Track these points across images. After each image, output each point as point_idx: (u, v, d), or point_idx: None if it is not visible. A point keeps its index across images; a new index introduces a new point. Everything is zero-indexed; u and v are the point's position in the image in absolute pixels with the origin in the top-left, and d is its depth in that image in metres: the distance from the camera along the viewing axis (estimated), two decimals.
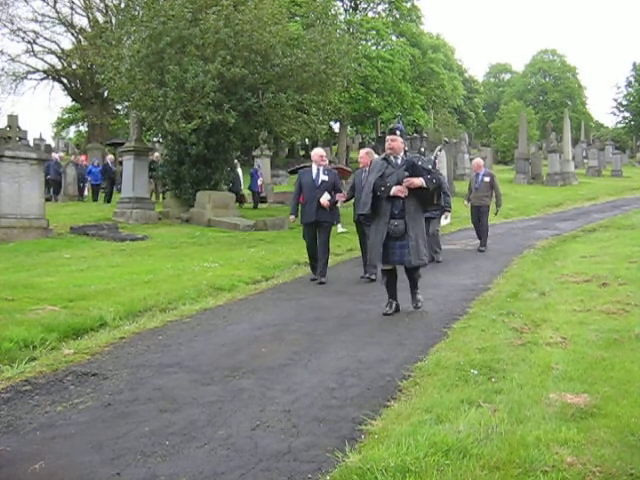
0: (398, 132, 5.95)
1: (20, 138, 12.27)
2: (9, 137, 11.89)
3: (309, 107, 16.29)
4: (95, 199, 20.83)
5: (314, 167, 8.22)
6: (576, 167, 31.16)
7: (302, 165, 11.70)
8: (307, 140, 39.52)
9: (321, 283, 7.89)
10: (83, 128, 42.28)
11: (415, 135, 35.93)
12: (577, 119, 51.49)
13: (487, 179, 11.17)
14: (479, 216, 11.14)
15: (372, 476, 2.57)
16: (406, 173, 5.76)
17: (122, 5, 21.49)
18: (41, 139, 33.32)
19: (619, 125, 58.81)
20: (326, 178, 8.10)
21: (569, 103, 59.29)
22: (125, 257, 9.97)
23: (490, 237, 11.77)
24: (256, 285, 7.87)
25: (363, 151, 8.67)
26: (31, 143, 25.05)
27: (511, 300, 6.41)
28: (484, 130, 57.01)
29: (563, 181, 27.44)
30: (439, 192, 5.96)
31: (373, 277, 8.05)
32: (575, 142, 38.10)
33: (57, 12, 31.53)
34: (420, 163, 5.85)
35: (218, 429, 3.25)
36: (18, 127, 12.17)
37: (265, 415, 3.43)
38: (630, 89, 57.44)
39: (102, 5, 31.32)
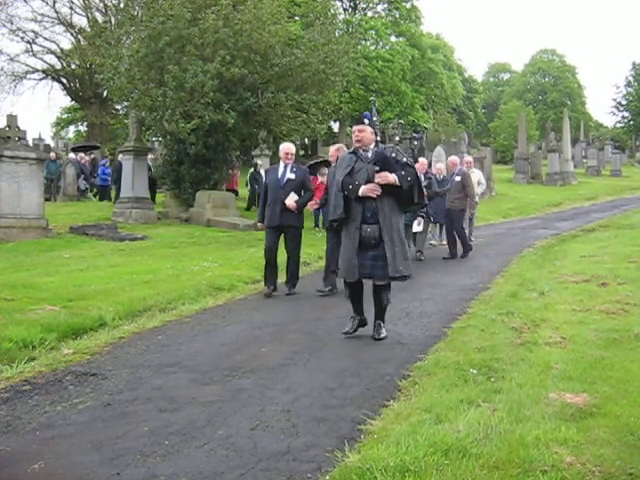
0: (367, 121, 5.07)
1: (19, 138, 12.26)
2: (8, 137, 11.88)
3: (308, 107, 16.28)
4: (102, 199, 20.74)
5: (280, 164, 7.42)
6: (575, 167, 31.15)
7: (318, 160, 11.18)
8: (307, 140, 39.51)
9: (289, 294, 7.19)
10: (82, 128, 42.24)
11: (414, 135, 36.05)
12: (576, 119, 51.44)
13: (458, 178, 10.23)
14: (452, 220, 10.17)
15: (371, 476, 2.57)
16: (376, 168, 4.87)
17: (121, 5, 21.46)
18: (40, 139, 33.22)
19: (618, 125, 58.79)
20: (293, 176, 7.25)
21: (568, 103, 59.25)
22: (124, 257, 9.97)
23: (489, 237, 11.80)
24: (255, 285, 7.87)
25: (333, 147, 7.73)
26: (30, 143, 24.99)
27: (510, 300, 6.42)
28: (483, 130, 56.96)
29: (562, 181, 27.44)
30: (419, 188, 5.03)
31: (328, 290, 7.23)
32: (574, 142, 38.09)
33: (56, 12, 31.52)
34: (394, 155, 4.98)
35: (217, 429, 3.25)
36: (17, 127, 12.16)
37: (264, 415, 3.42)
38: (629, 89, 57.42)
39: (101, 5, 31.28)
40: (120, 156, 20.78)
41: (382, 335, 5.10)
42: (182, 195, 16.12)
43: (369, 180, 4.87)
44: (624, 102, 57.48)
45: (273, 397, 3.72)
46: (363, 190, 4.85)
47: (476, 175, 11.89)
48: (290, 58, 15.09)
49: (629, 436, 2.87)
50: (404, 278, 5.00)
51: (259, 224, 7.64)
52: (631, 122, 56.55)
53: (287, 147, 7.48)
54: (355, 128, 5.12)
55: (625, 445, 2.78)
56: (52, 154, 21.90)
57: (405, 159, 5.01)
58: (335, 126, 39.15)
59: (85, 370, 4.33)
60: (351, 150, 5.26)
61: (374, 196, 4.84)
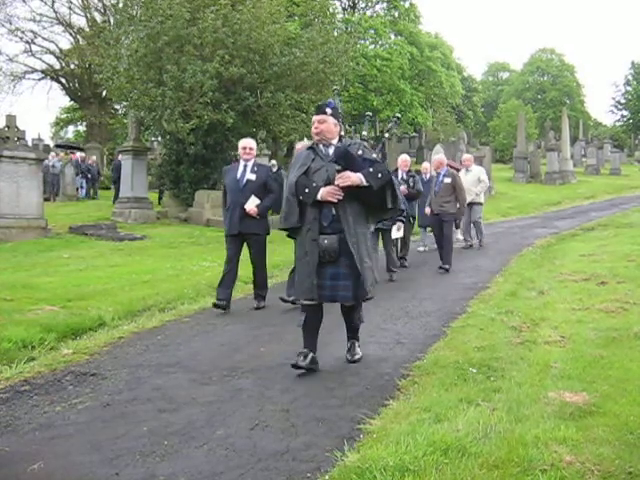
0: (329, 110, 4.18)
1: (18, 138, 12.25)
2: (7, 137, 11.87)
3: (307, 106, 16.28)
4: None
5: (240, 163, 6.43)
6: (575, 166, 31.14)
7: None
8: (305, 139, 39.54)
9: (258, 308, 6.38)
10: (81, 128, 42.25)
11: (414, 134, 36.04)
12: (575, 118, 51.46)
13: (448, 180, 8.93)
14: (440, 226, 8.91)
15: (371, 475, 2.56)
16: (338, 167, 4.03)
17: (120, 5, 21.44)
18: (39, 139, 33.26)
19: (617, 123, 58.84)
20: (253, 177, 6.27)
21: (567, 102, 59.27)
22: (124, 257, 9.97)
23: (489, 236, 11.78)
24: None
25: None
26: (29, 143, 25.00)
27: (510, 299, 6.41)
28: (483, 129, 56.94)
29: (562, 180, 27.43)
30: (393, 190, 4.17)
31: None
32: (574, 141, 38.08)
33: (55, 12, 31.53)
34: (361, 152, 4.13)
35: (217, 429, 3.25)
36: (16, 127, 12.16)
37: (264, 415, 3.42)
38: (628, 87, 57.48)
39: (100, 5, 31.27)
40: (119, 156, 20.81)
41: (357, 357, 4.38)
42: (181, 195, 16.13)
43: (330, 182, 4.04)
44: (623, 101, 57.57)
45: (272, 397, 3.72)
46: (322, 194, 4.01)
47: (475, 173, 11.42)
48: (289, 57, 15.10)
49: (628, 435, 2.87)
50: (370, 298, 4.23)
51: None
52: (630, 121, 56.62)
53: (245, 141, 6.50)
54: (315, 118, 4.22)
55: (624, 444, 2.78)
56: (55, 155, 22.01)
57: (375, 156, 4.23)
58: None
59: (84, 370, 4.33)
60: (309, 145, 4.40)
61: (335, 201, 4.01)
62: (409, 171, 9.24)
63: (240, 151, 6.44)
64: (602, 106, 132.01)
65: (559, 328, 5.02)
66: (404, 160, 9.33)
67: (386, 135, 4.78)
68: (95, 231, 12.63)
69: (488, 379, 3.82)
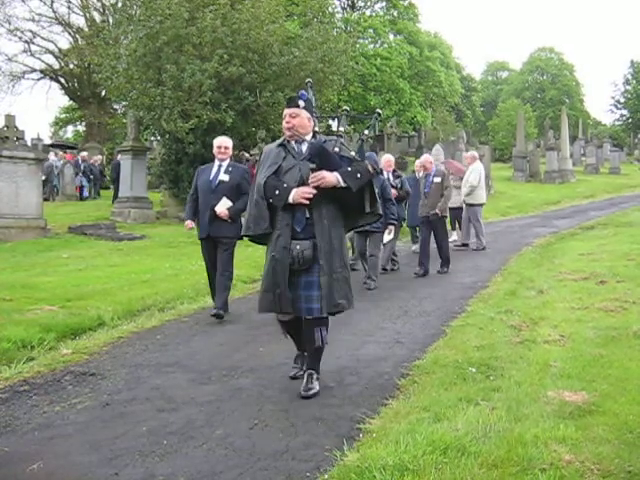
0: (302, 102, 3.79)
1: (18, 138, 12.23)
2: (7, 137, 11.86)
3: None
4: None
5: (214, 163, 6.09)
6: (574, 165, 31.11)
7: None
8: None
9: (217, 316, 5.80)
10: (81, 128, 42.20)
11: (413, 133, 36.03)
12: (575, 117, 51.48)
13: (438, 179, 8.61)
14: (432, 229, 8.56)
15: (370, 475, 2.56)
16: (312, 166, 3.64)
17: (119, 4, 21.47)
18: (39, 139, 33.19)
19: (617, 123, 58.86)
20: (226, 178, 5.92)
21: (567, 101, 59.25)
22: (123, 257, 9.97)
23: (488, 235, 11.76)
24: (254, 284, 7.85)
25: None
26: (29, 143, 25.02)
27: (509, 298, 6.42)
28: (482, 128, 56.89)
29: (561, 179, 27.41)
30: (372, 193, 3.79)
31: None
32: (573, 140, 38.09)
33: (54, 12, 31.50)
34: (337, 150, 3.73)
35: (216, 428, 3.25)
36: (15, 127, 12.14)
37: (263, 414, 3.42)
38: (628, 87, 57.47)
39: (99, 4, 31.27)
40: (118, 156, 20.81)
41: (312, 391, 3.71)
42: (181, 194, 16.09)
43: (303, 182, 3.65)
44: (622, 100, 57.56)
45: (271, 396, 3.72)
46: (293, 196, 3.61)
47: (468, 172, 11.13)
48: (288, 57, 15.10)
49: (628, 434, 2.87)
50: (343, 310, 3.76)
51: (187, 223, 6.21)
52: (629, 120, 56.64)
53: (221, 140, 6.11)
54: (286, 112, 3.82)
55: (624, 443, 2.78)
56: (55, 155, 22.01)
57: (353, 154, 3.80)
58: (334, 125, 39.17)
59: (84, 370, 4.33)
60: (279, 142, 3.93)
61: (307, 203, 3.61)
62: (394, 171, 8.97)
63: (215, 150, 6.07)
64: (601, 105, 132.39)
65: (558, 327, 5.02)
66: (388, 160, 8.97)
67: (366, 132, 4.14)
68: (94, 231, 12.62)
69: (487, 378, 3.82)
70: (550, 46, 66.36)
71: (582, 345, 4.43)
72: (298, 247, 3.62)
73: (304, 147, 3.78)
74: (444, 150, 20.60)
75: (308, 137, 3.82)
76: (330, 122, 19.86)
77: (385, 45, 36.14)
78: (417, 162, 11.55)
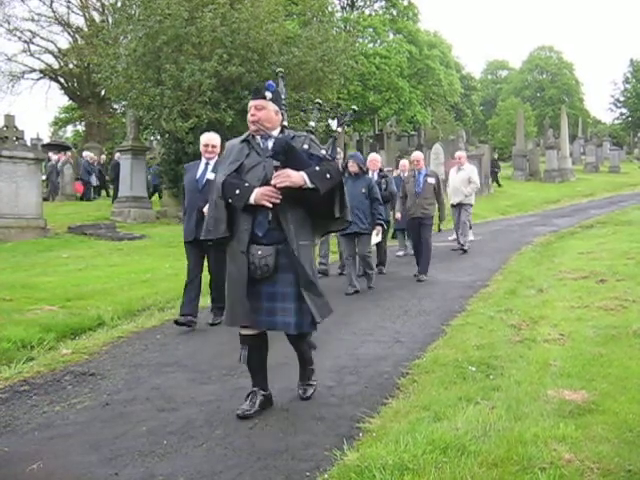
0: (269, 94, 3.42)
1: (17, 138, 12.23)
2: (6, 137, 11.87)
3: (306, 105, 16.26)
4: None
5: (201, 161, 5.74)
6: (574, 163, 31.13)
7: None
8: None
9: (213, 324, 5.71)
10: (80, 127, 42.17)
11: (413, 132, 36.01)
12: (574, 115, 51.46)
13: (432, 180, 8.24)
14: (420, 231, 8.20)
15: (370, 474, 2.56)
16: (276, 163, 3.27)
17: (119, 4, 21.44)
18: (38, 139, 33.17)
19: (616, 121, 58.89)
20: (214, 177, 5.13)
21: (566, 99, 59.25)
22: (123, 256, 9.97)
23: (488, 234, 11.77)
24: None
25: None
26: (28, 143, 25.01)
27: (509, 297, 6.42)
28: (481, 127, 56.92)
29: (561, 177, 27.42)
30: (342, 196, 3.42)
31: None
32: (573, 138, 38.10)
33: (53, 11, 31.45)
34: (306, 147, 3.38)
35: (216, 428, 3.25)
36: (15, 127, 12.14)
37: (263, 414, 3.42)
38: (627, 85, 57.49)
39: (98, 4, 31.23)
40: (118, 155, 20.79)
41: (310, 389, 3.71)
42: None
43: (267, 181, 3.28)
44: (622, 99, 57.59)
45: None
46: (255, 196, 3.25)
47: (467, 172, 10.61)
48: (288, 56, 15.09)
49: (627, 433, 2.87)
50: (316, 323, 3.44)
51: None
52: (629, 118, 56.67)
53: (208, 137, 5.75)
54: (251, 104, 3.44)
55: (623, 442, 2.78)
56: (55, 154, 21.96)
57: (324, 152, 3.44)
58: (333, 124, 39.16)
59: (83, 370, 4.33)
60: (244, 137, 3.54)
61: (269, 205, 3.25)
62: (380, 170, 8.72)
63: (202, 148, 5.69)
64: (601, 104, 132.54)
65: (558, 326, 5.02)
66: (373, 159, 8.59)
67: (339, 130, 3.84)
68: (94, 231, 12.63)
69: (487, 377, 3.82)
70: (550, 45, 66.52)
71: (582, 344, 4.43)
72: (259, 252, 3.26)
73: (270, 143, 3.38)
74: (444, 149, 20.63)
75: (275, 132, 3.46)
76: (330, 122, 19.74)
77: (384, 44, 36.12)
78: (402, 162, 11.34)
